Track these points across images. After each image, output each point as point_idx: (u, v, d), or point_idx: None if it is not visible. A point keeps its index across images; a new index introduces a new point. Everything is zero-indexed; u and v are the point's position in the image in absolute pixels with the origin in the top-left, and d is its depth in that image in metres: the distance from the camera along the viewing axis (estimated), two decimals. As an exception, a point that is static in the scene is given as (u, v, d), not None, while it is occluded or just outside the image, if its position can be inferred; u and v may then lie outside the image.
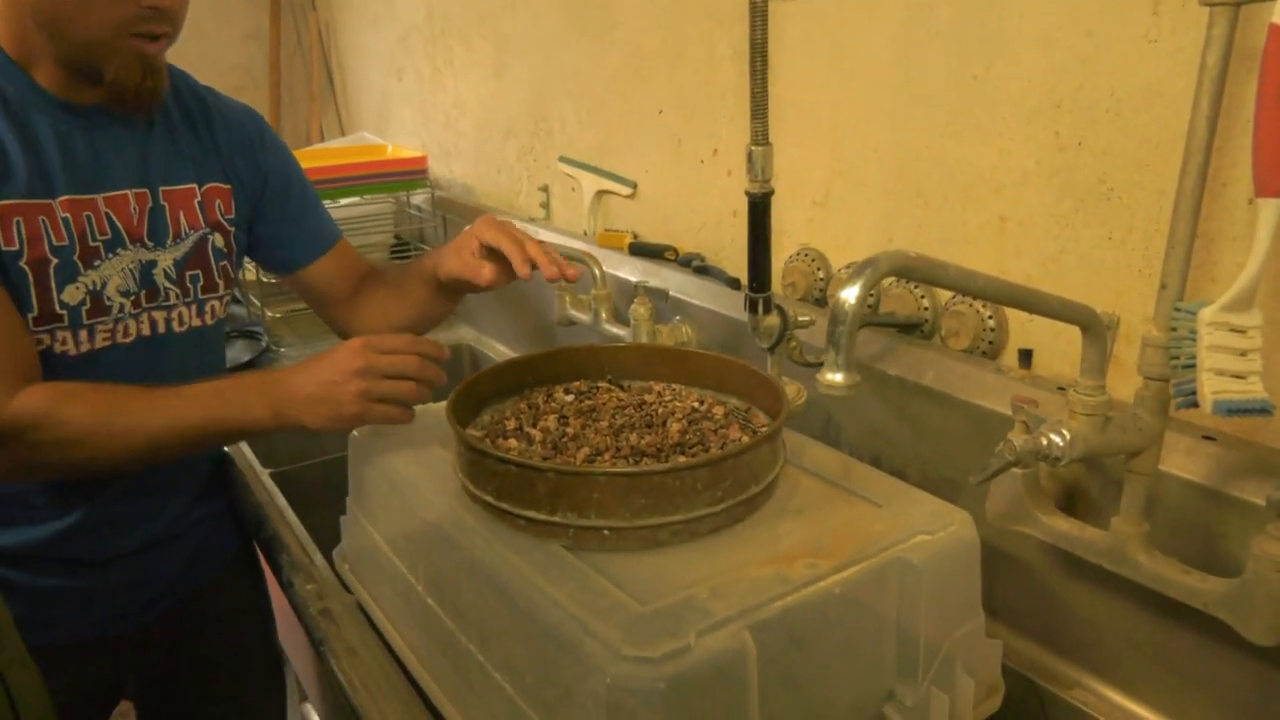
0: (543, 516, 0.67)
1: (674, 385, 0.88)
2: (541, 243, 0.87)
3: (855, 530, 0.70)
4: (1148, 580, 0.67)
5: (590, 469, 0.67)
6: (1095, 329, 0.64)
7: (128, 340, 0.90)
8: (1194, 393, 0.59)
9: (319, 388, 0.79)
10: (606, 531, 0.66)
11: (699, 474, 0.67)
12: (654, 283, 1.20)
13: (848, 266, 1.03)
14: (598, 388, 0.87)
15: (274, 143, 1.02)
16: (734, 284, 1.13)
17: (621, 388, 0.88)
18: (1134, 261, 0.77)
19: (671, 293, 1.18)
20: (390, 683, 0.73)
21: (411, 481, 0.80)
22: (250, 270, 1.70)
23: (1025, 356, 0.82)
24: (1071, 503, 0.75)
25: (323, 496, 1.20)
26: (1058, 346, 0.84)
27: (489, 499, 0.71)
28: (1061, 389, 0.79)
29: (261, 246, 1.03)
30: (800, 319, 0.89)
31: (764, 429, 0.78)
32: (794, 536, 0.69)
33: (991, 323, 0.87)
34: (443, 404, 0.81)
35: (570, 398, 0.86)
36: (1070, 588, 0.79)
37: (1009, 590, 0.83)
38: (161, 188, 0.91)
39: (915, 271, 0.52)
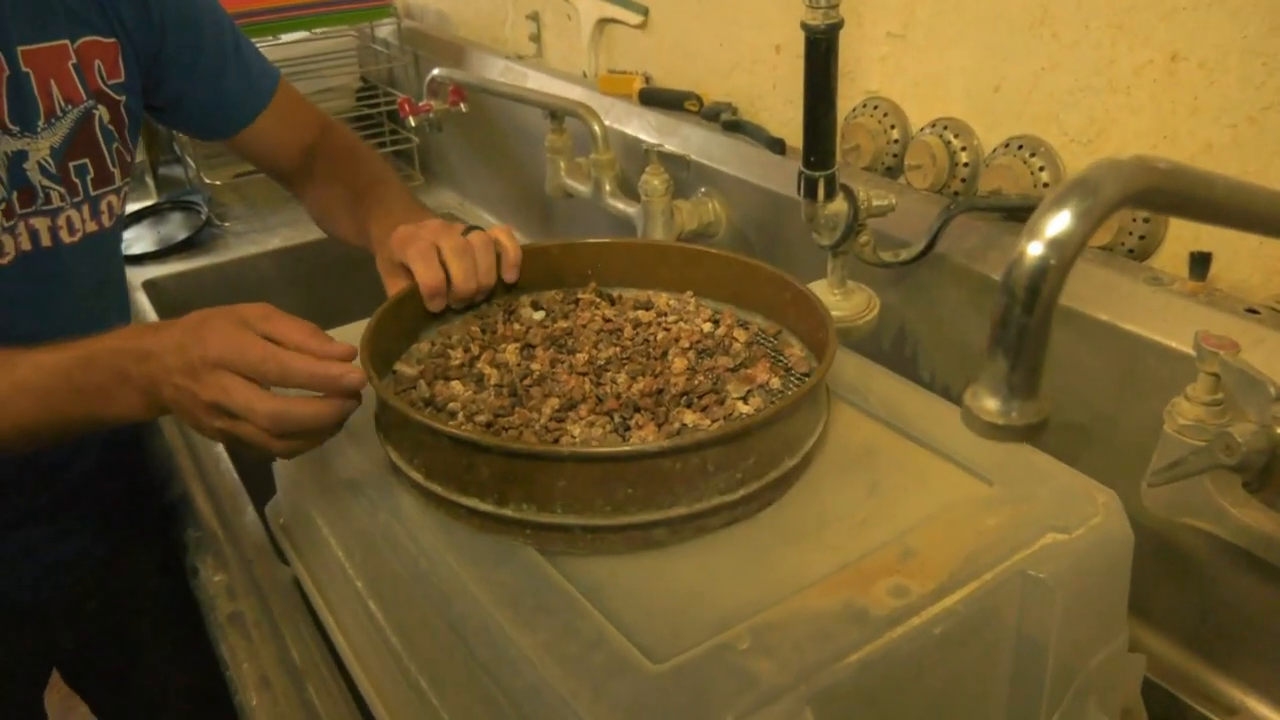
0: (489, 508, 0.52)
1: (680, 296, 0.71)
2: (470, 241, 0.69)
3: (958, 527, 0.53)
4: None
5: (553, 450, 0.51)
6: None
7: (3, 261, 0.73)
8: None
9: (181, 384, 0.58)
10: (579, 530, 0.51)
11: (709, 453, 0.51)
12: (671, 144, 1.00)
13: (934, 125, 0.81)
14: (577, 301, 0.71)
15: None
16: (776, 146, 0.92)
17: (609, 300, 0.71)
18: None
19: (694, 157, 0.98)
20: (312, 715, 0.58)
21: (341, 440, 0.63)
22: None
23: (1200, 262, 0.61)
24: (1264, 481, 0.56)
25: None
26: (1244, 246, 0.63)
27: (417, 477, 0.55)
28: (1253, 311, 0.59)
29: (172, 113, 0.87)
30: (875, 204, 0.69)
31: (804, 376, 0.62)
32: (863, 534, 0.53)
33: (1143, 210, 0.65)
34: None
35: (539, 315, 0.70)
36: (1238, 582, 0.61)
37: (1150, 577, 0.66)
38: (20, 48, 0.72)
39: (1161, 196, 0.31)
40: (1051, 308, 0.29)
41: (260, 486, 0.84)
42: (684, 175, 0.96)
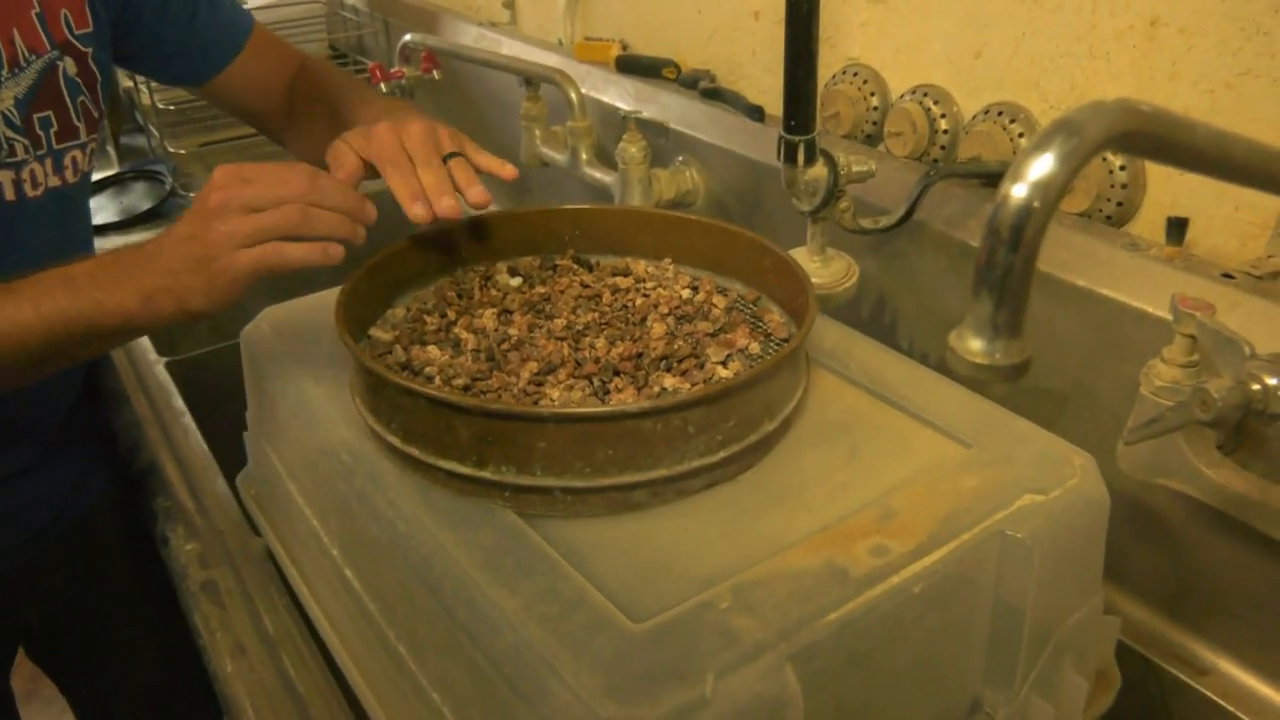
0: (468, 470, 0.52)
1: (659, 263, 0.72)
2: (451, 153, 0.64)
3: (937, 488, 0.54)
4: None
5: (533, 411, 0.51)
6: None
7: None
8: None
9: (183, 249, 0.58)
10: (559, 492, 0.52)
11: (690, 414, 0.51)
12: (649, 111, 1.00)
13: (914, 91, 0.81)
14: (555, 267, 0.71)
15: None
16: (755, 113, 0.92)
17: (588, 267, 0.72)
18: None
19: (672, 125, 0.98)
20: (292, 695, 0.58)
21: (314, 403, 0.63)
22: (146, 93, 1.45)
23: (1176, 227, 0.62)
24: (1237, 441, 0.58)
25: (238, 392, 1.03)
26: (1220, 212, 0.64)
27: (395, 441, 0.55)
28: (1228, 276, 0.60)
29: (143, 60, 0.85)
30: (855, 169, 0.70)
31: (783, 341, 0.62)
32: (844, 497, 0.53)
33: (1123, 174, 0.67)
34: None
35: (516, 281, 0.70)
36: (1211, 544, 0.63)
37: (1125, 541, 0.67)
38: None
39: (1143, 139, 0.31)
40: (1036, 249, 0.29)
41: (230, 458, 0.84)
42: (662, 143, 0.96)
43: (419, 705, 0.54)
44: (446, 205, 0.60)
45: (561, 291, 0.68)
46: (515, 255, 0.73)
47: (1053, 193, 0.28)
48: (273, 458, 0.70)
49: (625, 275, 0.70)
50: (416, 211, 0.60)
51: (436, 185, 0.61)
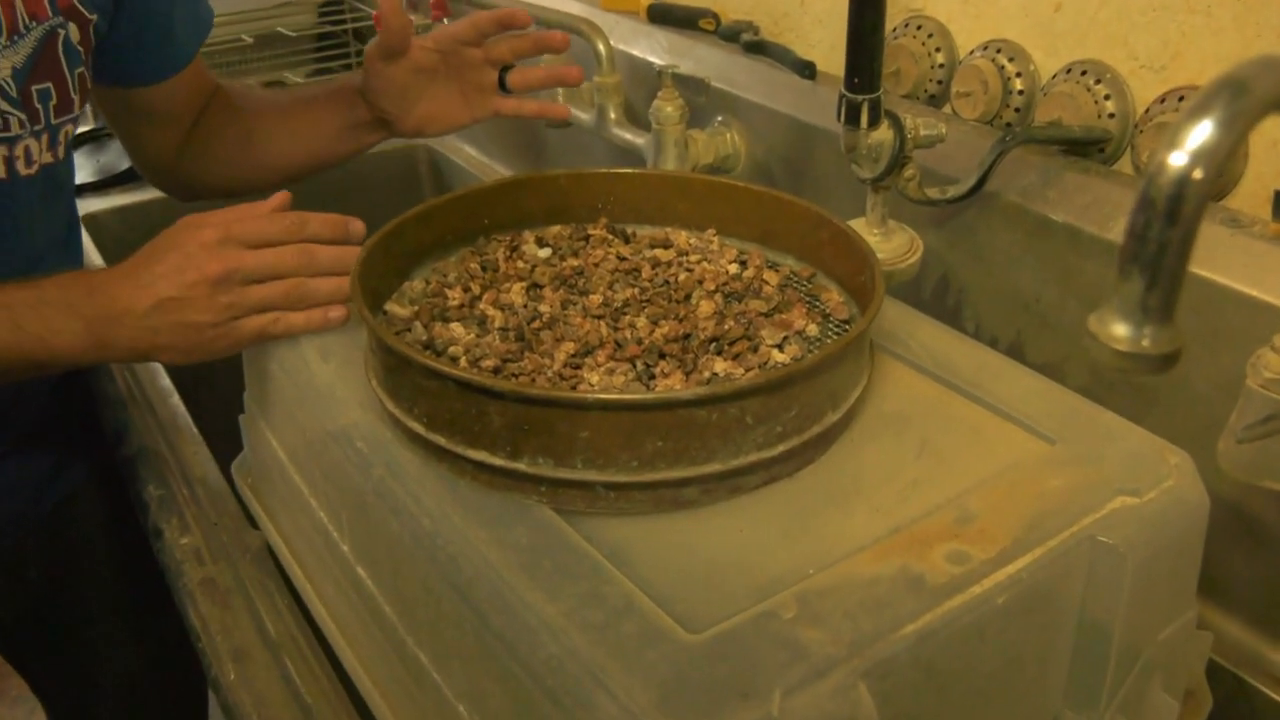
0: (500, 462, 0.52)
1: (702, 234, 0.71)
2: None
3: (1019, 488, 0.53)
4: None
5: (576, 396, 0.51)
6: None
7: None
8: None
9: (161, 306, 0.63)
10: (601, 488, 0.51)
11: (749, 403, 0.51)
12: (685, 67, 0.99)
13: (985, 47, 0.80)
14: (588, 237, 0.71)
15: None
16: (805, 69, 0.91)
17: (624, 238, 0.71)
18: None
19: (712, 82, 0.97)
20: (300, 705, 0.58)
21: (322, 383, 0.63)
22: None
23: (1286, 202, 0.61)
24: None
25: (232, 370, 1.03)
26: (1333, 184, 0.63)
27: (418, 428, 0.55)
28: (1346, 257, 0.59)
29: (115, 52, 0.84)
30: (924, 133, 0.69)
31: (844, 323, 0.62)
32: (915, 497, 0.53)
33: None
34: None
35: (545, 253, 0.69)
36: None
37: (1215, 546, 0.66)
38: None
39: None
40: (1196, 225, 0.28)
41: (223, 443, 0.83)
42: (701, 101, 0.95)
43: (440, 718, 0.53)
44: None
45: (596, 264, 0.67)
46: (542, 223, 0.73)
47: (1215, 161, 0.27)
48: (273, 443, 0.70)
49: (666, 247, 0.69)
50: None
51: None
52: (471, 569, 0.49)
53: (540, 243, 0.70)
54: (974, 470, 0.54)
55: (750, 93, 0.94)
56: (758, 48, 0.97)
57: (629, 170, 0.74)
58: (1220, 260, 0.63)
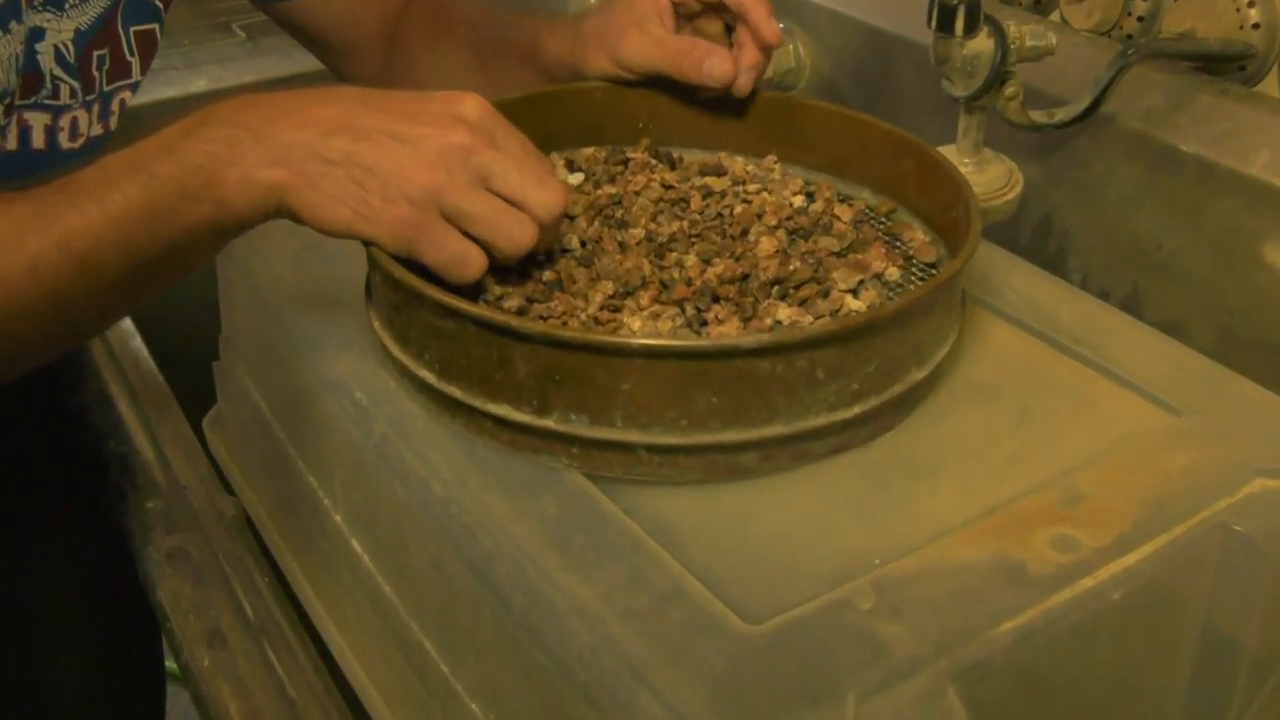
0: (525, 418, 0.53)
1: (761, 161, 0.73)
2: None
3: (1138, 466, 0.55)
4: None
5: (617, 341, 0.51)
6: None
7: None
8: None
9: (359, 160, 0.54)
10: (643, 450, 0.52)
11: (821, 355, 0.51)
12: (740, -37, 0.98)
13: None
14: (627, 161, 0.73)
15: None
16: (883, -32, 0.91)
17: (670, 163, 0.73)
18: None
19: (770, -18, 0.97)
20: (276, 683, 0.62)
21: (314, 323, 0.65)
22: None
23: None
24: None
25: (205, 308, 1.04)
26: None
27: (428, 377, 0.56)
28: None
29: None
30: (1030, 43, 0.70)
31: (929, 266, 0.63)
32: (1013, 473, 0.54)
33: (1253, 12, 0.73)
34: None
35: (577, 178, 0.72)
36: None
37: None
38: None
39: None
40: None
41: (191, 394, 0.85)
42: (758, 4, 0.95)
43: (448, 717, 0.55)
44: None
45: (637, 193, 0.69)
46: (573, 145, 0.74)
47: None
48: (254, 394, 0.72)
49: (719, 175, 0.71)
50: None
51: None
52: (490, 543, 0.50)
53: (571, 166, 0.72)
54: (1083, 444, 0.56)
55: (816, -5, 0.96)
56: (827, -58, 0.96)
57: (675, 84, 0.74)
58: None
